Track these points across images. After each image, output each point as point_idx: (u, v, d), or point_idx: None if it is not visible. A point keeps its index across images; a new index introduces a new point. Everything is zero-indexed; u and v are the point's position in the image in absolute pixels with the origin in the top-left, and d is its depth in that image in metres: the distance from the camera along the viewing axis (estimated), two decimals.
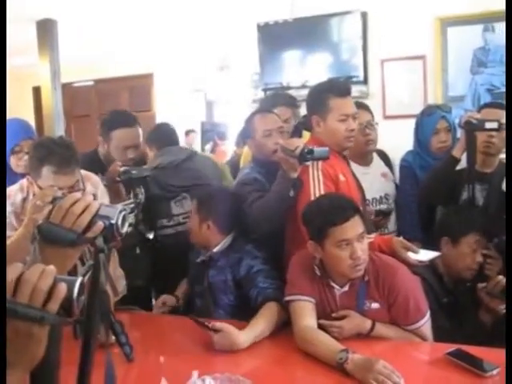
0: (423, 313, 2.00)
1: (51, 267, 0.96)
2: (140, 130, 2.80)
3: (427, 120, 2.89)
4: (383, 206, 2.91)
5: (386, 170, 3.03)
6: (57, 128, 5.69)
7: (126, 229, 1.19)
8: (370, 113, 2.90)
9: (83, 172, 2.23)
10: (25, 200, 2.17)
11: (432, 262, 2.36)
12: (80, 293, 0.95)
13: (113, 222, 1.17)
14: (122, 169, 2.46)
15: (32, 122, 7.60)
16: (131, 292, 2.50)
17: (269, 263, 2.34)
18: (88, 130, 7.87)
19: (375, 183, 2.86)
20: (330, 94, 2.36)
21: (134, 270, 2.57)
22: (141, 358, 1.93)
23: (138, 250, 2.60)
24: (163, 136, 3.04)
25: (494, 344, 1.97)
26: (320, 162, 2.26)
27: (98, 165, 2.72)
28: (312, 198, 2.20)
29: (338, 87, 2.41)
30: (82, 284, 0.96)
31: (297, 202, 2.26)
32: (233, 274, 2.34)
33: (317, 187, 2.25)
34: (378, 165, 3.01)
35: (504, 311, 2.21)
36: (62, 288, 0.94)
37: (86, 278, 1.32)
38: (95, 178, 2.36)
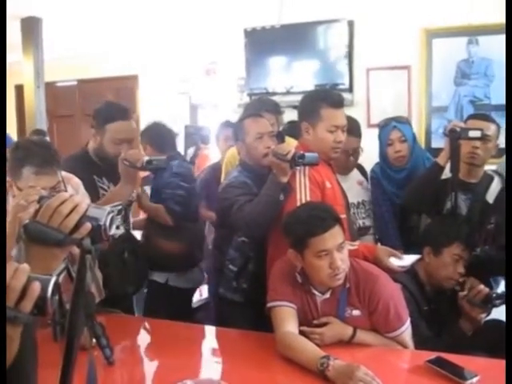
0: (403, 320, 2.02)
1: (25, 266, 0.96)
2: (135, 124, 2.72)
3: (381, 131, 2.97)
4: (360, 211, 2.99)
5: (362, 178, 3.11)
6: (39, 127, 5.62)
7: (113, 231, 1.18)
8: (360, 137, 2.94)
9: (64, 174, 2.21)
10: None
11: (413, 270, 2.39)
12: (54, 292, 0.95)
13: (101, 223, 1.15)
14: (146, 158, 2.43)
15: (13, 121, 7.56)
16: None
17: None
18: (71, 131, 7.81)
19: (352, 189, 2.91)
20: (324, 103, 2.38)
21: (122, 275, 2.54)
22: (121, 361, 1.91)
23: (126, 254, 2.59)
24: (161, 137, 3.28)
25: (473, 352, 2.00)
26: (307, 169, 2.29)
27: (90, 165, 2.64)
28: (298, 204, 2.22)
29: (332, 98, 2.43)
30: (56, 283, 0.96)
31: (283, 207, 2.27)
32: None
33: (303, 193, 2.27)
34: (355, 173, 3.09)
35: (483, 320, 2.24)
36: (36, 287, 0.93)
37: (61, 277, 1.31)
38: (76, 180, 2.33)
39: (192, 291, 3.32)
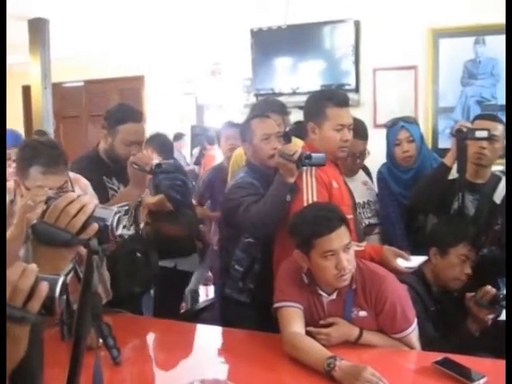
0: (410, 321, 2.01)
1: (33, 266, 0.96)
2: (144, 127, 2.76)
3: (389, 131, 2.97)
4: (366, 211, 2.98)
5: (366, 178, 3.13)
6: (46, 128, 5.64)
7: (120, 231, 1.18)
8: (366, 140, 2.94)
9: (72, 174, 2.23)
10: (12, 202, 2.15)
11: (420, 270, 2.38)
12: (62, 292, 0.95)
13: (108, 223, 1.15)
14: (155, 162, 2.48)
15: (21, 122, 7.60)
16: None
17: None
18: (77, 131, 7.85)
19: (358, 190, 2.91)
20: (329, 102, 2.39)
21: (131, 275, 2.55)
22: (128, 361, 1.91)
23: (137, 255, 2.60)
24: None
25: (481, 353, 1.99)
26: (314, 169, 2.29)
27: (100, 166, 2.66)
28: (305, 205, 2.22)
29: (337, 97, 2.44)
30: (64, 283, 0.96)
31: (290, 207, 2.27)
32: None
33: (310, 194, 2.27)
34: (360, 174, 3.10)
35: (491, 321, 2.23)
36: (44, 287, 0.93)
37: (69, 277, 1.31)
38: (84, 181, 2.34)
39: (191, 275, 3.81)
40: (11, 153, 2.52)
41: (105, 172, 2.64)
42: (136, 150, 2.60)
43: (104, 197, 2.48)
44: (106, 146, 2.66)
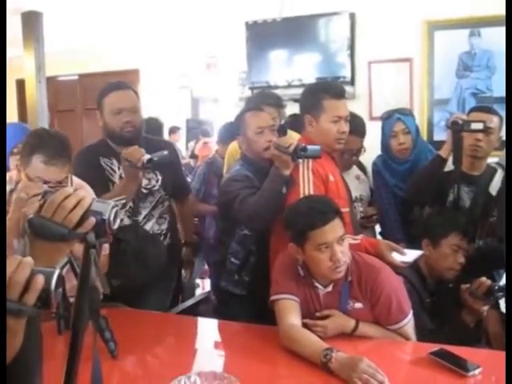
0: (406, 313, 2.02)
1: (28, 259, 0.96)
2: (134, 94, 2.71)
3: (385, 123, 2.98)
4: (358, 205, 3.00)
5: (359, 172, 3.13)
6: (41, 122, 5.61)
7: (117, 225, 1.19)
8: (364, 137, 2.96)
9: (76, 180, 2.23)
10: (12, 191, 2.16)
11: (415, 262, 2.39)
12: (58, 285, 0.95)
13: (105, 217, 1.16)
14: (147, 157, 2.39)
15: (15, 116, 7.56)
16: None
17: None
18: (72, 125, 7.81)
19: (351, 184, 2.90)
20: (326, 94, 2.39)
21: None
22: (125, 354, 1.92)
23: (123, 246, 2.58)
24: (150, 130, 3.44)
25: (475, 344, 2.01)
26: (311, 162, 2.30)
27: (98, 148, 2.71)
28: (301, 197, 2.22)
29: (333, 89, 2.44)
30: (59, 276, 0.96)
31: (286, 200, 2.28)
32: None
33: (306, 186, 2.28)
34: (353, 168, 3.10)
35: (486, 312, 2.25)
36: (40, 280, 0.94)
37: (65, 269, 1.31)
38: (88, 188, 2.34)
39: None
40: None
41: (102, 153, 2.66)
42: (128, 116, 2.59)
43: (97, 176, 2.53)
44: (102, 125, 2.67)
